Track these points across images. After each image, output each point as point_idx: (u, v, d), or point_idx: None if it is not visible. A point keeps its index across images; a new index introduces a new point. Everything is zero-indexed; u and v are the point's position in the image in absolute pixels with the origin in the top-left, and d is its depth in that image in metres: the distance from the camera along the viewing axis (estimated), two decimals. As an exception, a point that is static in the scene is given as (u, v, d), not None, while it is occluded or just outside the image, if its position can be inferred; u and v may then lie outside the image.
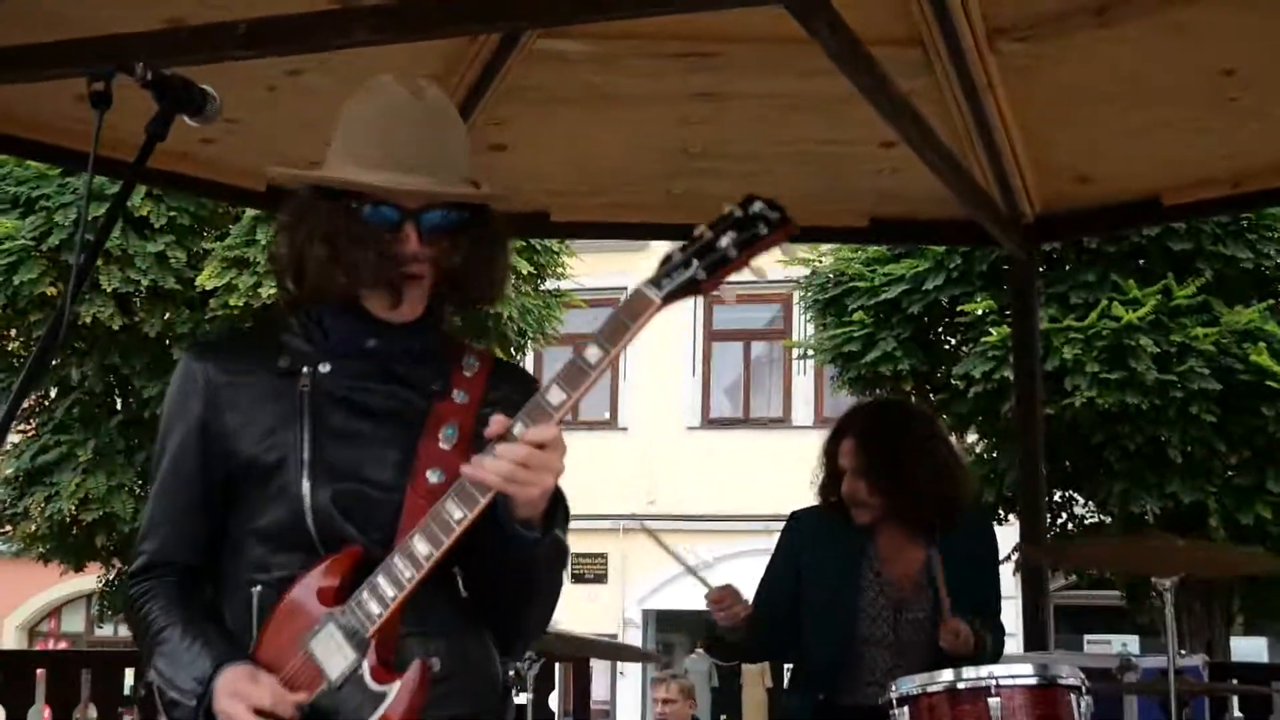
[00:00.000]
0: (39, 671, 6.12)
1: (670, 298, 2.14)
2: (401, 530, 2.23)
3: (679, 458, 20.76)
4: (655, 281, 2.15)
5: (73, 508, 11.70)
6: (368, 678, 2.20)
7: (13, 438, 13.46)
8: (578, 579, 21.14)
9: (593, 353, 2.13)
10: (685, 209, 5.92)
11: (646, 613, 21.22)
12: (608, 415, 21.68)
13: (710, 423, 21.40)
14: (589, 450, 20.86)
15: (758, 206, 2.15)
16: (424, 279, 2.32)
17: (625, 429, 21.43)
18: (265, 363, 2.36)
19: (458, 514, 2.16)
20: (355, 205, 2.29)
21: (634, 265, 21.12)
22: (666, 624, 21.47)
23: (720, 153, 5.42)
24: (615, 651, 4.85)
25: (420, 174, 2.29)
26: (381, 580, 2.19)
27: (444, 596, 2.29)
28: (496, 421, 2.15)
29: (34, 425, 12.60)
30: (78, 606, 23.46)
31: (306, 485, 2.27)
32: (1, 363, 12.02)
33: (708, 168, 5.50)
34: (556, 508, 2.24)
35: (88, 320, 11.15)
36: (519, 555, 2.23)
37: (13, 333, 11.96)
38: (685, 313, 21.31)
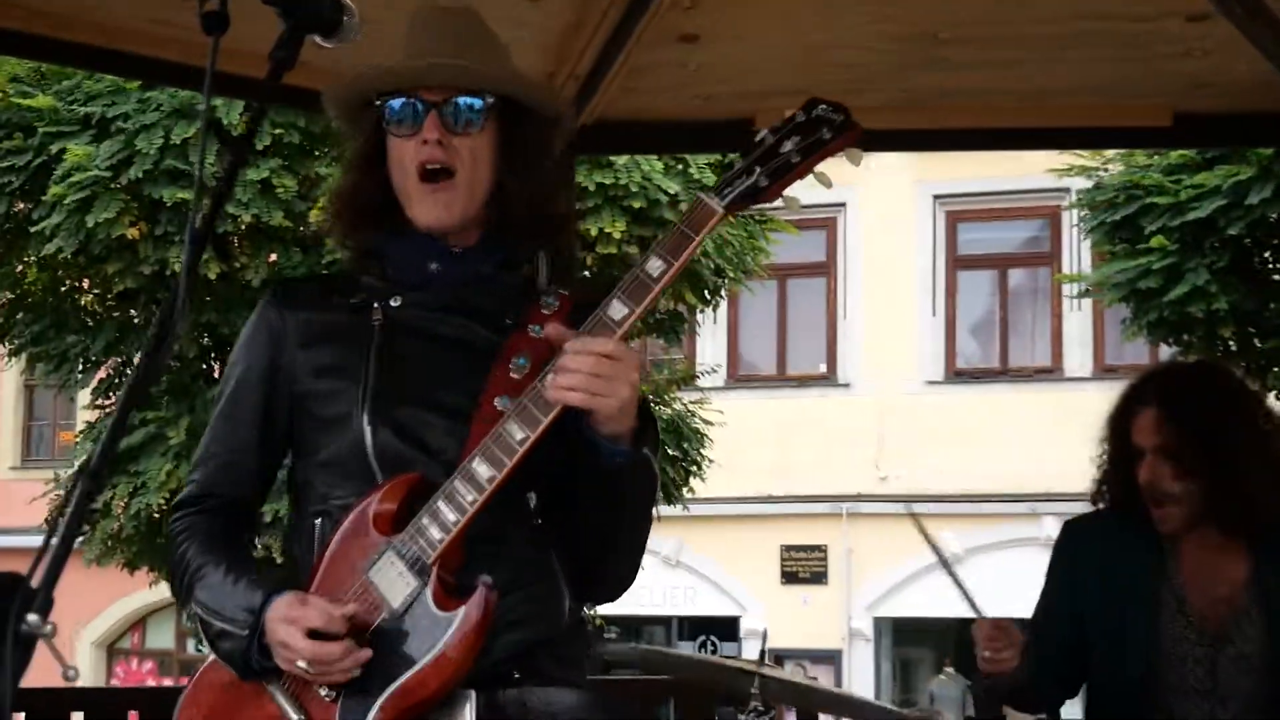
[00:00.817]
0: (131, 716, 5.90)
1: (733, 206, 2.55)
2: (467, 456, 2.57)
3: (916, 421, 20.64)
4: (717, 189, 2.56)
5: (162, 501, 11.78)
6: (431, 604, 2.55)
7: (88, 415, 13.94)
8: (789, 578, 21.21)
9: (655, 265, 2.52)
10: (927, 111, 5.88)
11: (879, 621, 21.21)
12: (824, 368, 21.66)
13: (956, 375, 21.24)
14: (801, 413, 20.94)
15: (821, 109, 2.58)
16: (452, 176, 2.75)
17: (847, 385, 21.38)
18: (341, 301, 2.81)
19: (519, 434, 2.53)
20: (380, 105, 2.79)
21: (852, 174, 20.94)
22: (905, 636, 21.44)
23: (976, 36, 5.36)
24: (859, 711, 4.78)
25: (435, 57, 2.74)
26: (442, 505, 2.55)
27: (513, 521, 2.64)
28: (554, 329, 2.56)
29: (113, 399, 12.91)
30: (165, 617, 24.28)
31: (367, 413, 2.68)
32: (75, 321, 12.37)
33: (960, 58, 5.45)
34: (646, 427, 2.60)
35: (175, 268, 11.35)
36: (605, 474, 2.59)
37: (85, 284, 12.31)
38: (920, 233, 21.13)
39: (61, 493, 12.38)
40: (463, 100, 2.77)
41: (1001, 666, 4.00)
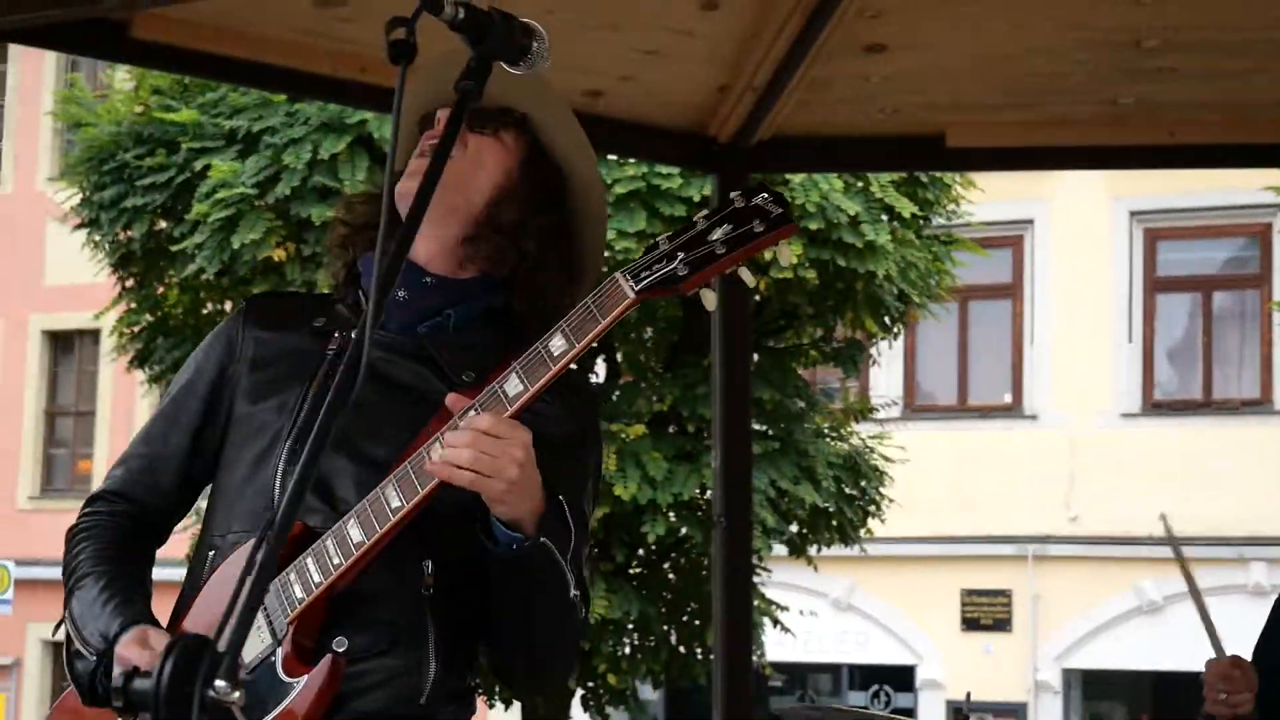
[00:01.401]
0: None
1: (646, 293, 2.51)
2: None
3: (1109, 456, 20.34)
4: (634, 271, 2.51)
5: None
6: (279, 667, 2.57)
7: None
8: (970, 625, 21.02)
9: (557, 344, 2.51)
10: (1134, 126, 5.82)
11: (1068, 673, 20.93)
12: (1009, 398, 21.43)
13: (1154, 407, 20.90)
14: (984, 446, 20.75)
15: (760, 198, 2.51)
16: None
17: (1034, 417, 21.13)
18: (304, 324, 2.84)
19: (395, 502, 2.55)
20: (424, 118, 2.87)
21: (1040, 188, 20.84)
22: (1097, 688, 21.13)
23: (1190, 45, 5.27)
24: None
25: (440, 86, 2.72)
26: (310, 564, 2.58)
27: (394, 585, 2.63)
28: (453, 397, 2.56)
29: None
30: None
31: (286, 450, 2.70)
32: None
33: (1171, 67, 5.37)
34: (550, 517, 2.57)
35: (324, 290, 11.46)
36: (501, 561, 2.57)
37: (228, 306, 12.53)
38: (1115, 252, 20.86)
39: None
40: (489, 104, 2.75)
41: (1236, 710, 3.97)
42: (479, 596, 2.69)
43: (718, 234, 2.50)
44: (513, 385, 2.52)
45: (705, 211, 2.54)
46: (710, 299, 2.55)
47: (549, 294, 2.80)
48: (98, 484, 2.94)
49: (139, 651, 2.59)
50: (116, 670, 2.58)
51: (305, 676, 2.55)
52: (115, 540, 2.83)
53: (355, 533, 2.55)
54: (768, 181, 11.28)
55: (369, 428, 2.68)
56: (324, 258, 11.31)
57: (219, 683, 1.94)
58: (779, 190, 2.56)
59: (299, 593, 2.57)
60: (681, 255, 2.50)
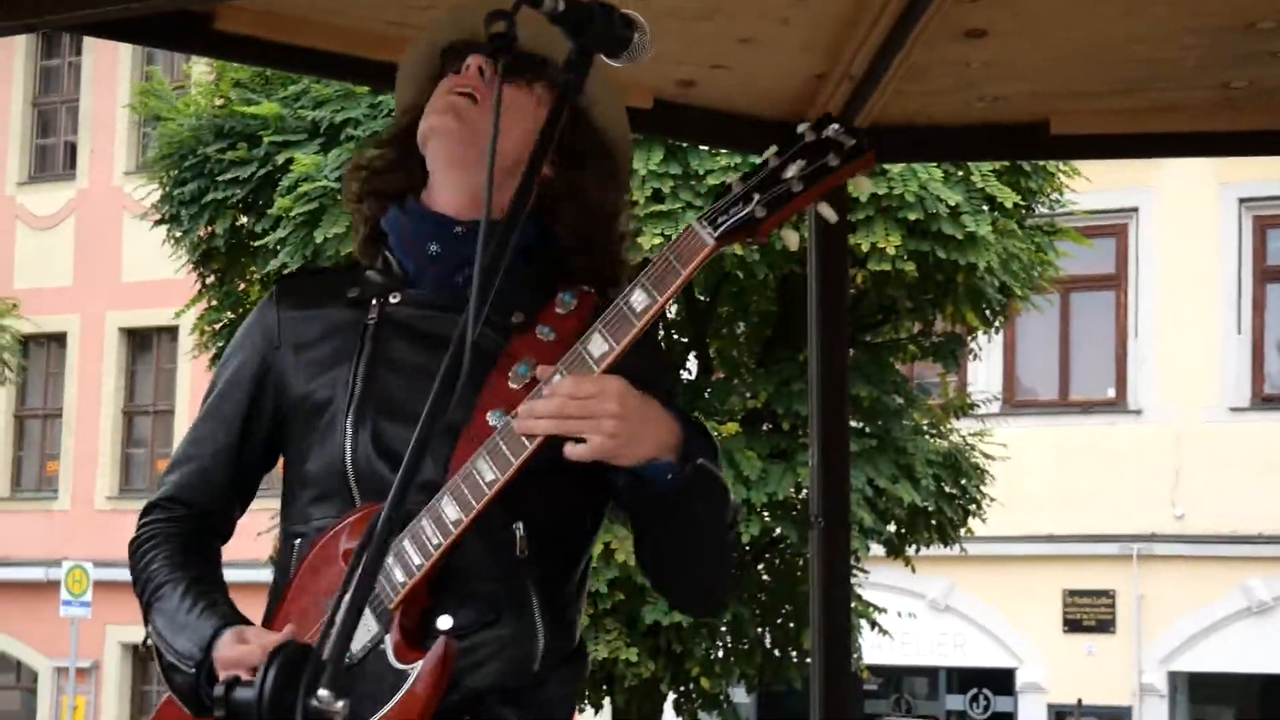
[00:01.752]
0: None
1: (726, 238, 2.49)
2: (449, 478, 2.57)
3: (1217, 452, 20.22)
4: (711, 217, 2.50)
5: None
6: (390, 655, 2.56)
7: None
8: (1072, 626, 20.94)
9: (639, 298, 2.50)
10: (1246, 111, 5.74)
11: (1174, 676, 20.80)
12: (1112, 392, 21.31)
13: (1264, 400, 20.79)
14: (1086, 442, 20.64)
15: (832, 130, 2.49)
16: (475, 102, 2.72)
17: (1138, 412, 21.02)
18: (339, 296, 2.82)
19: (489, 475, 2.54)
20: (443, 59, 2.82)
21: (1145, 175, 20.68)
22: (1204, 692, 20.99)
23: (1307, 27, 5.21)
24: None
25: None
26: (408, 546, 2.56)
27: (489, 555, 2.63)
28: (541, 369, 2.55)
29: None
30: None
31: (350, 424, 2.69)
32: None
33: (1285, 50, 5.31)
34: (691, 438, 2.57)
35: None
36: (660, 499, 2.56)
37: (312, 302, 12.63)
38: (1223, 241, 20.69)
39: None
40: (527, 55, 2.74)
41: None
42: (578, 554, 2.72)
43: (792, 171, 2.47)
44: (597, 345, 2.51)
45: (774, 149, 2.51)
46: (792, 239, 2.54)
47: (589, 209, 2.79)
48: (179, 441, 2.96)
49: (239, 649, 2.60)
50: (222, 677, 2.59)
51: (419, 662, 2.54)
52: (183, 545, 2.84)
53: (451, 511, 2.55)
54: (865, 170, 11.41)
55: (426, 391, 2.62)
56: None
57: (322, 692, 1.97)
58: (850, 125, 2.50)
59: (400, 577, 2.57)
60: (757, 196, 2.48)
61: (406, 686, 2.54)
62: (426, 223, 2.78)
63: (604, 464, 2.55)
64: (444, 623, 2.59)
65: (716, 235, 2.48)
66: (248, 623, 2.71)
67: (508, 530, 2.64)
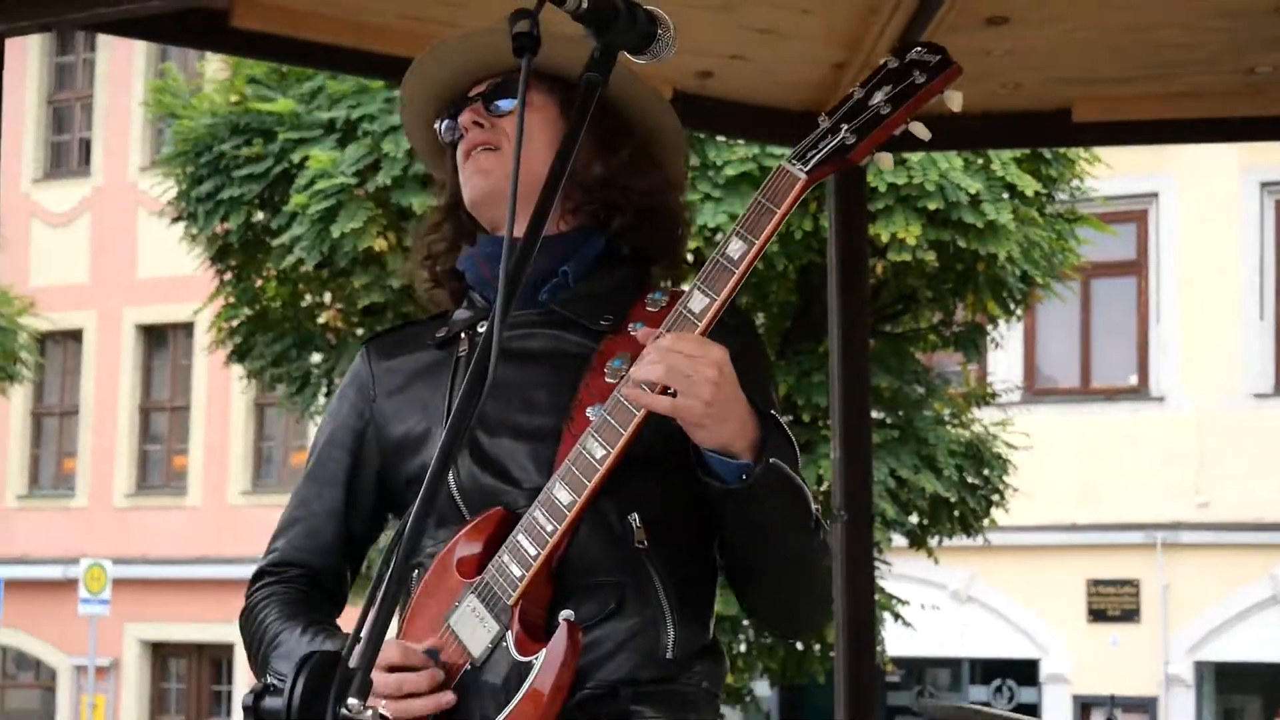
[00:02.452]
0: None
1: (817, 170, 2.46)
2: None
3: (1241, 439, 20.18)
4: (800, 154, 2.48)
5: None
6: (512, 649, 2.52)
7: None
8: (1097, 616, 20.91)
9: (735, 247, 2.47)
10: (1272, 96, 5.73)
11: (1201, 666, 20.77)
12: (1134, 380, 21.28)
13: (1288, 387, 20.74)
14: (1109, 430, 20.60)
15: (915, 52, 2.51)
16: (497, 150, 2.73)
17: (1161, 399, 20.98)
18: (427, 340, 2.83)
19: (599, 451, 2.50)
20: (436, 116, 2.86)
21: (1166, 161, 20.61)
22: (1231, 681, 20.96)
23: (1332, 10, 5.20)
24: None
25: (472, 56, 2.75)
26: (523, 539, 2.53)
27: (608, 546, 2.59)
28: (644, 331, 2.52)
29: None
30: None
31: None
32: (320, 341, 12.68)
33: (1311, 34, 5.29)
34: (769, 437, 2.51)
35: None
36: (730, 497, 2.50)
37: (327, 298, 12.62)
38: (1246, 226, 20.64)
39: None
40: (505, 83, 2.78)
41: None
42: (703, 545, 2.67)
43: (878, 96, 2.48)
44: (697, 301, 2.48)
45: (858, 84, 2.51)
46: (887, 160, 2.52)
47: (647, 203, 2.79)
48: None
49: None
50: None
51: (543, 651, 2.50)
52: (297, 600, 2.81)
53: (563, 495, 2.51)
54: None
55: (523, 404, 2.67)
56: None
57: (351, 701, 1.96)
58: (932, 42, 2.51)
59: (517, 571, 2.53)
60: (845, 126, 2.47)
61: (533, 675, 2.50)
62: (498, 245, 2.73)
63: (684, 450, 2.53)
64: (565, 616, 2.54)
65: (808, 169, 2.47)
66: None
67: (624, 522, 2.60)
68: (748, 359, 2.61)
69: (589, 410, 2.59)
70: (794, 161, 2.48)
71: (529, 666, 2.50)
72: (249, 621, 2.82)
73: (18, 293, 20.94)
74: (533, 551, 2.52)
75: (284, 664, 2.65)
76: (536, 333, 2.72)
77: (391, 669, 2.55)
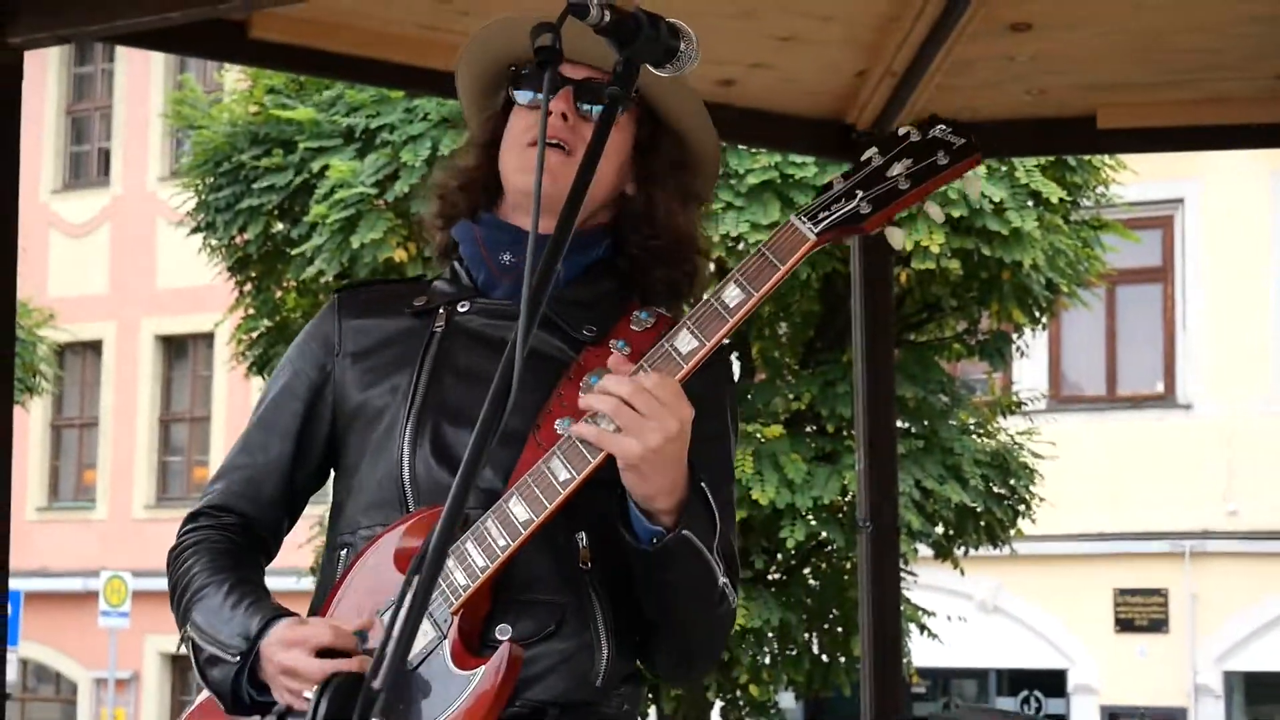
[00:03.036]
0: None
1: (827, 235, 2.48)
2: (512, 486, 2.53)
3: (1269, 446, 20.10)
4: (811, 213, 2.49)
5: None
6: (448, 660, 2.50)
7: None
8: (1124, 626, 20.86)
9: (732, 294, 2.47)
10: (1293, 102, 5.73)
11: (1230, 676, 20.71)
12: (1161, 387, 21.23)
13: (1317, 394, 20.67)
14: (1135, 438, 20.55)
15: (939, 129, 2.51)
16: (568, 155, 2.67)
17: (1188, 406, 20.92)
18: (403, 306, 2.80)
19: (563, 474, 2.49)
20: (513, 72, 2.77)
21: (1191, 165, 20.55)
22: (1261, 692, 20.89)
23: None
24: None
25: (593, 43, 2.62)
26: (471, 548, 2.52)
27: (552, 563, 2.59)
28: (615, 359, 2.50)
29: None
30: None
31: (409, 430, 2.66)
32: (337, 351, 12.74)
33: (1340, 39, 5.28)
34: (693, 507, 2.50)
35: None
36: (640, 555, 2.51)
37: (348, 308, 12.64)
38: (1273, 231, 20.59)
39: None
40: (605, 85, 2.65)
41: None
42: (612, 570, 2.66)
43: (898, 169, 2.49)
44: (685, 341, 2.48)
45: (874, 149, 2.51)
46: (897, 237, 2.53)
47: (660, 223, 2.77)
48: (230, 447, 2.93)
49: (291, 654, 2.56)
50: (268, 671, 2.58)
51: (480, 669, 2.49)
52: (227, 549, 2.79)
53: (520, 511, 2.50)
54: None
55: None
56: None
57: None
58: (955, 119, 2.53)
59: (462, 580, 2.52)
60: (861, 193, 2.48)
61: (470, 691, 2.49)
62: (503, 232, 2.77)
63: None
64: (503, 632, 2.55)
65: (818, 231, 2.48)
66: (292, 614, 2.67)
67: (570, 540, 2.61)
68: (711, 400, 2.64)
69: (557, 423, 2.59)
70: (804, 219, 2.49)
71: (465, 682, 2.50)
72: (176, 563, 2.81)
73: (37, 304, 21.00)
74: (481, 563, 2.51)
75: (205, 618, 2.67)
76: (514, 326, 2.68)
77: (320, 652, 2.54)
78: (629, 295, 2.77)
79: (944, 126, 2.52)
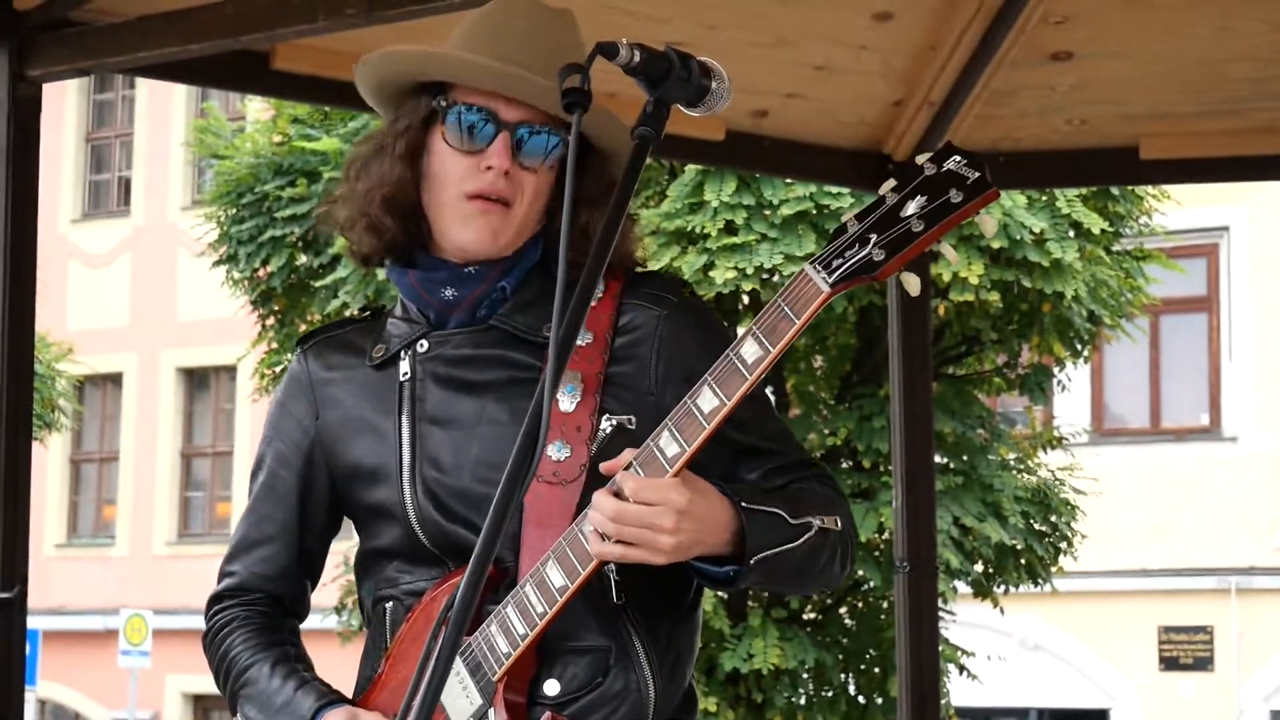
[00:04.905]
0: None
1: (842, 284, 2.44)
2: (527, 524, 2.59)
3: (1320, 480, 20.09)
4: (825, 261, 2.45)
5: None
6: None
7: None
8: (1169, 664, 20.78)
9: (750, 349, 2.46)
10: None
11: (1277, 715, 20.63)
12: (1206, 419, 21.17)
13: (1368, 426, 20.60)
14: (1180, 472, 20.50)
15: (954, 161, 2.42)
16: (508, 209, 2.68)
17: (1234, 439, 20.86)
18: (363, 354, 2.80)
19: (595, 543, 2.51)
20: (440, 105, 2.72)
21: (1235, 192, 20.49)
22: (1310, 732, 20.82)
23: None
24: None
25: (531, 73, 2.66)
26: (512, 614, 2.57)
27: (589, 608, 2.62)
28: (607, 464, 2.53)
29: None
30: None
31: (408, 493, 2.69)
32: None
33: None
34: (752, 535, 2.53)
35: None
36: (723, 585, 2.58)
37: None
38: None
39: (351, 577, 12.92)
40: (543, 132, 2.71)
41: None
42: (678, 594, 2.71)
43: (911, 208, 2.41)
44: (706, 400, 2.48)
45: (892, 184, 2.45)
46: (913, 283, 2.47)
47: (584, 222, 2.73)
48: (236, 526, 2.94)
49: None
50: None
51: None
52: (260, 625, 2.83)
53: (556, 577, 2.54)
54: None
55: (480, 444, 2.68)
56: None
57: None
58: (971, 151, 2.45)
59: (504, 647, 2.57)
60: (874, 238, 2.42)
61: None
62: (439, 270, 2.75)
63: None
64: (551, 688, 2.59)
65: (832, 281, 2.44)
66: (345, 700, 2.71)
67: (601, 575, 2.62)
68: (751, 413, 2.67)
69: (549, 448, 2.60)
70: (818, 267, 2.45)
71: None
72: (213, 648, 2.84)
73: (55, 337, 21.05)
74: (521, 630, 2.55)
75: (256, 709, 2.72)
76: (483, 354, 2.72)
77: None
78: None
79: (958, 158, 2.43)
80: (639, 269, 2.80)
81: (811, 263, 2.46)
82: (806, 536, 2.60)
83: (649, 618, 2.66)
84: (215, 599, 2.88)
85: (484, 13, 2.80)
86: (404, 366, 2.76)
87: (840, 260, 2.44)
